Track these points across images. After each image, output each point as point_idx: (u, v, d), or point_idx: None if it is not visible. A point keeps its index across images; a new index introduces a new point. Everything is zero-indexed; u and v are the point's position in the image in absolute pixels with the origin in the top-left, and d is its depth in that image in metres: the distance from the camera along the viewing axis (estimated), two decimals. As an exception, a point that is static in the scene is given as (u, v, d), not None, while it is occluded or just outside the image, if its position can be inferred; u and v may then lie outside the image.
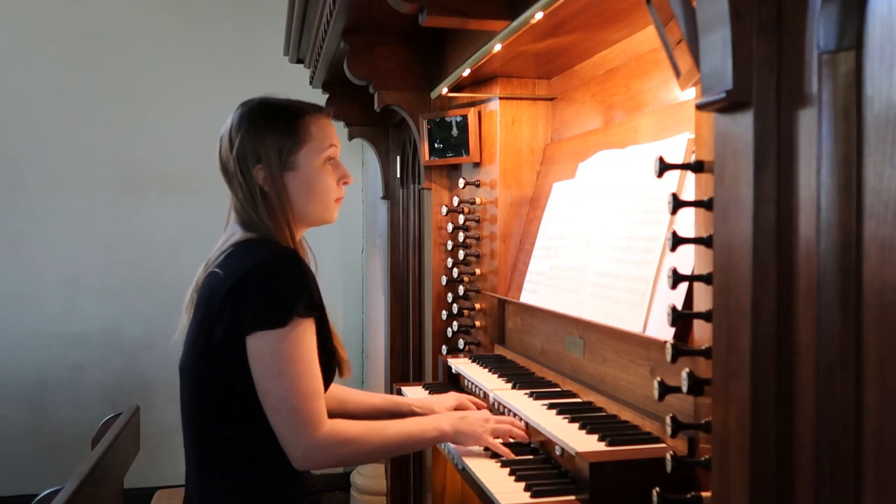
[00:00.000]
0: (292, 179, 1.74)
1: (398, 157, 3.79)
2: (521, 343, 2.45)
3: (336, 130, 1.86)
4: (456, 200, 2.78)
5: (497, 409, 2.03)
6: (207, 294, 1.68)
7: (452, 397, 2.10)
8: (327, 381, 1.73)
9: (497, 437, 1.80)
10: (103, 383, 4.74)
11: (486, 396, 2.11)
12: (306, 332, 1.63)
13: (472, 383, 2.27)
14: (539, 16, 1.83)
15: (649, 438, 1.55)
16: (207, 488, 1.70)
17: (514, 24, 1.94)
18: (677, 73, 1.22)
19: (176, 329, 1.81)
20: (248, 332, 1.60)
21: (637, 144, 1.92)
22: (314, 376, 1.63)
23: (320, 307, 1.68)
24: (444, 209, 2.82)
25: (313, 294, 1.66)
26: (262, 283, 1.61)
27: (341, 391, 2.08)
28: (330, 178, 1.79)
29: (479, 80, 2.65)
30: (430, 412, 2.03)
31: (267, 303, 1.60)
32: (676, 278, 1.19)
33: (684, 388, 1.15)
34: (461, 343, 2.79)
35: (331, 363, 1.76)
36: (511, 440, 1.82)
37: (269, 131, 1.74)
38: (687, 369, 1.16)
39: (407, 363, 3.77)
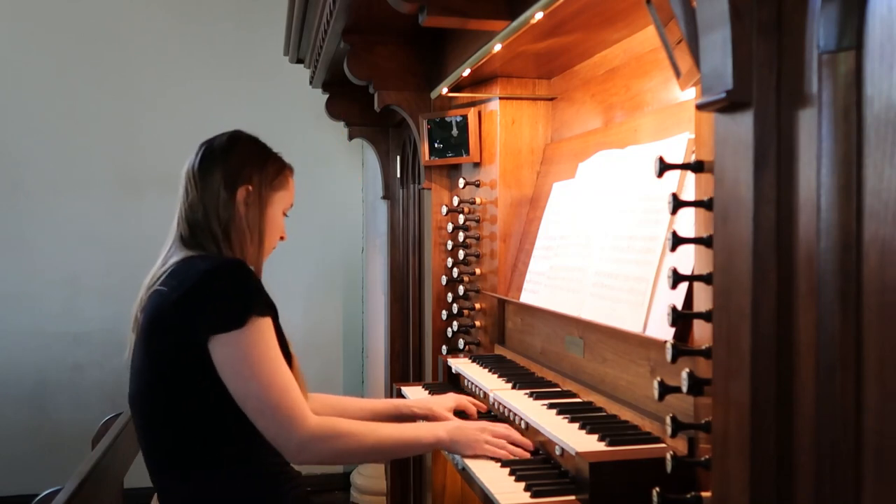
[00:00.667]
0: (266, 210, 1.83)
1: (398, 157, 3.79)
2: (521, 343, 2.45)
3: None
4: (456, 200, 2.78)
5: (497, 408, 2.03)
6: (152, 313, 1.67)
7: (451, 398, 2.10)
8: None
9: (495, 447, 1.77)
10: (103, 383, 4.73)
11: (486, 396, 2.11)
12: (269, 330, 1.64)
13: (472, 383, 2.27)
14: (539, 16, 1.83)
15: (649, 438, 1.55)
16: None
17: (514, 24, 1.94)
18: (677, 73, 1.22)
19: None
20: (207, 338, 1.59)
21: (637, 144, 1.92)
22: (286, 371, 1.65)
23: (274, 308, 1.69)
24: (444, 209, 2.82)
25: (264, 293, 1.67)
26: (213, 288, 1.62)
27: (339, 400, 2.08)
28: (281, 228, 1.89)
29: (479, 80, 2.65)
30: (429, 412, 2.03)
31: (222, 306, 1.61)
32: (676, 278, 1.19)
33: (684, 388, 1.15)
34: (461, 343, 2.79)
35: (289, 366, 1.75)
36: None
37: (268, 161, 1.85)
38: (687, 369, 1.16)
39: (407, 363, 3.76)
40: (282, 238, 1.91)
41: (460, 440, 1.76)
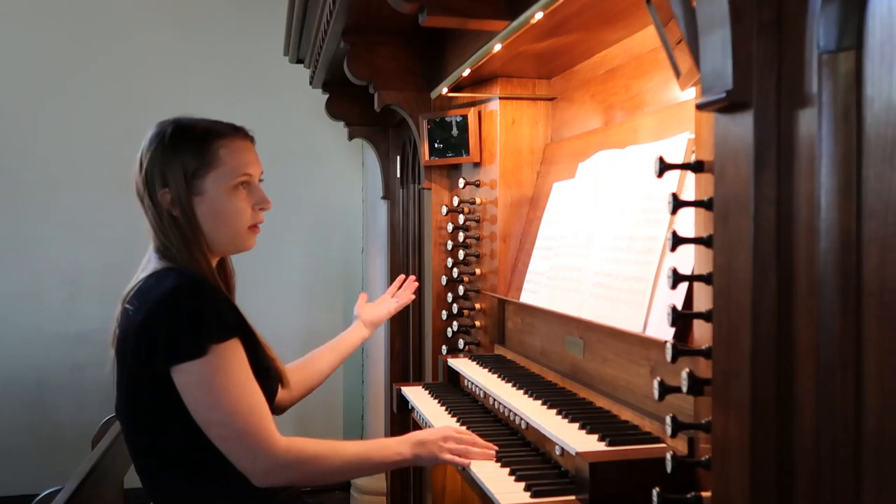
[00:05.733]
0: (199, 204, 1.68)
1: (398, 157, 3.79)
2: (521, 343, 2.45)
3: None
4: (456, 200, 2.78)
5: (497, 408, 2.03)
6: (122, 333, 1.66)
7: (384, 307, 2.39)
8: (270, 397, 1.70)
9: (456, 455, 1.74)
10: (103, 383, 4.63)
11: (486, 396, 2.11)
12: (232, 354, 1.58)
13: (472, 383, 2.27)
14: (539, 16, 1.83)
15: (649, 438, 1.55)
16: None
17: (514, 24, 1.94)
18: (677, 73, 1.22)
19: None
20: (168, 367, 1.56)
21: (637, 144, 1.92)
22: (253, 393, 1.60)
23: (238, 328, 1.62)
24: (444, 209, 2.82)
25: (225, 317, 1.59)
26: (166, 318, 1.56)
27: (306, 362, 2.15)
28: (242, 204, 1.71)
29: (479, 80, 2.65)
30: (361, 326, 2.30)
31: (177, 336, 1.54)
32: (676, 278, 1.19)
33: (684, 388, 1.15)
34: (461, 343, 2.79)
35: (269, 377, 1.73)
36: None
37: (175, 153, 1.68)
38: (687, 369, 1.16)
39: (407, 363, 3.77)
40: (262, 208, 1.74)
41: (423, 455, 1.74)
